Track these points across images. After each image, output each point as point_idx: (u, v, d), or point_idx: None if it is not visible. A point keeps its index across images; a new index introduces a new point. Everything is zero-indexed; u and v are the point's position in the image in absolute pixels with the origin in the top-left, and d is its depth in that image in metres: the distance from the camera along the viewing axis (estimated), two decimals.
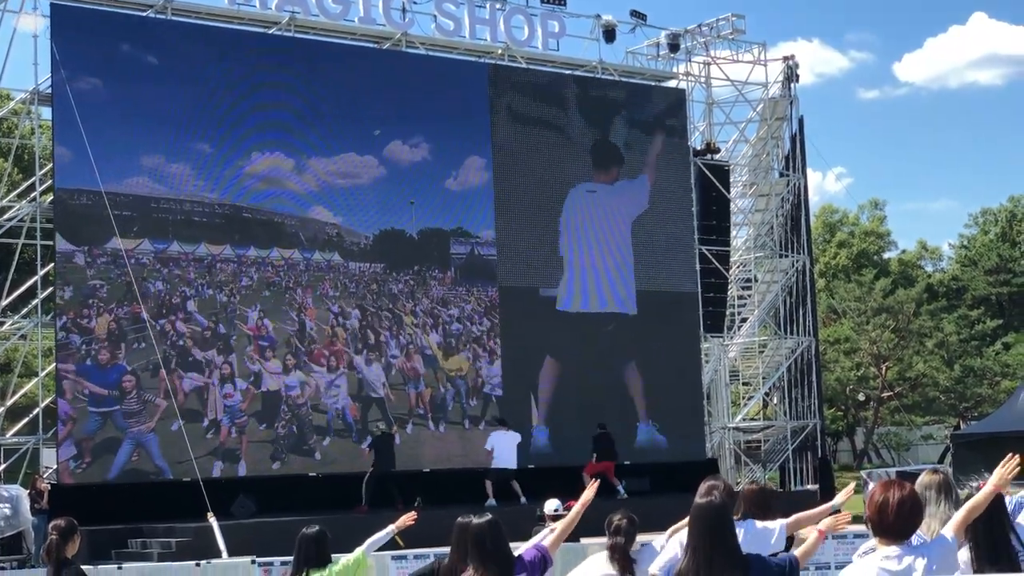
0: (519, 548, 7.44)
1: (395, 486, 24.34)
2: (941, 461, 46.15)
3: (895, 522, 5.68)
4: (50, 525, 10.18)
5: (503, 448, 25.45)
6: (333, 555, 9.25)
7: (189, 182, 26.38)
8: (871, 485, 32.73)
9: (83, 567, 10.24)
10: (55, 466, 24.89)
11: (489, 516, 6.85)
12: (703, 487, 6.64)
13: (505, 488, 25.19)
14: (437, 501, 24.18)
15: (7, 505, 24.82)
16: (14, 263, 27.33)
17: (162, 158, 26.04)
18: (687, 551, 6.16)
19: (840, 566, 16.04)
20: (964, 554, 6.41)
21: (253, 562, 14.48)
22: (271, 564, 14.61)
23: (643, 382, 31.14)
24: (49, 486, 23.93)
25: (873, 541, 6.03)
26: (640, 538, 9.12)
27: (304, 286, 27.40)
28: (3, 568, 22.76)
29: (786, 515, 8.62)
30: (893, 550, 5.65)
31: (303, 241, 27.60)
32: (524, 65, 31.37)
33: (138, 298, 24.56)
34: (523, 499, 24.78)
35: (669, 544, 8.47)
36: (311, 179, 27.78)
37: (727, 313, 35.26)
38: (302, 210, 27.74)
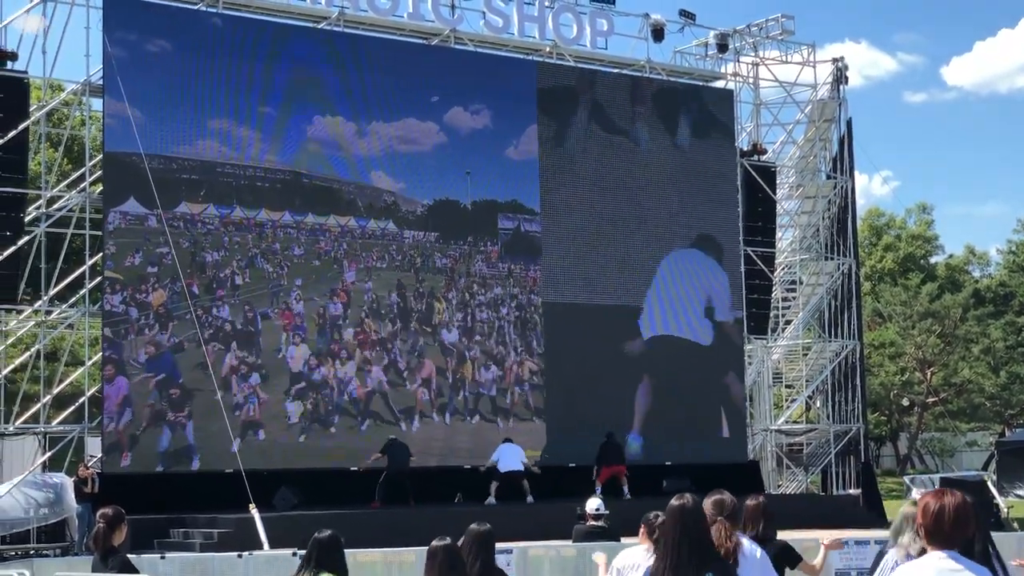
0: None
1: (409, 485, 24.71)
2: (985, 468, 45.79)
3: (951, 530, 5.67)
4: (98, 513, 10.29)
5: (507, 456, 25.80)
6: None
7: (254, 146, 26.85)
8: (913, 492, 32.58)
9: (128, 556, 10.34)
10: (100, 454, 25.12)
11: (447, 541, 7.96)
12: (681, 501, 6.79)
13: (516, 488, 25.47)
14: (435, 498, 24.94)
15: (51, 492, 25.08)
16: (63, 253, 27.58)
17: (230, 121, 26.54)
18: (661, 549, 6.44)
19: (841, 572, 16.16)
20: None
21: (294, 554, 14.53)
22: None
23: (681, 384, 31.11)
24: (96, 474, 24.15)
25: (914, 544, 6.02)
26: None
27: (352, 258, 27.65)
28: (47, 555, 23.01)
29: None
30: (951, 554, 5.64)
31: (360, 208, 27.92)
32: (572, 63, 31.35)
33: (193, 268, 25.41)
34: (530, 498, 25.29)
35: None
36: (373, 144, 28.06)
37: (771, 315, 35.12)
38: (361, 175, 28.04)
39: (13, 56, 25.62)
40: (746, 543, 7.47)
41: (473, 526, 8.33)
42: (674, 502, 6.64)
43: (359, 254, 27.85)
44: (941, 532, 5.65)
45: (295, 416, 26.33)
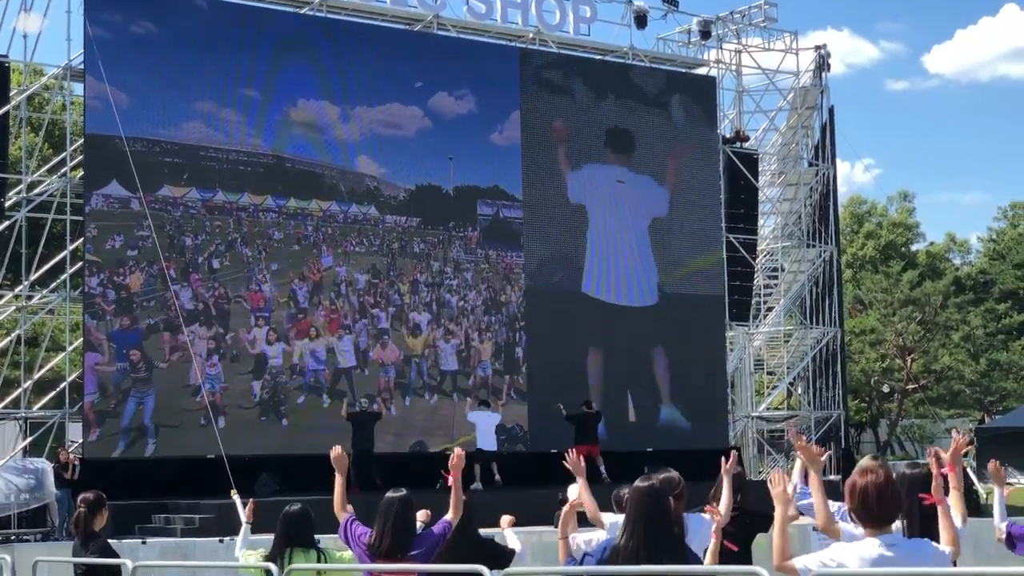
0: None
1: (375, 466, 24.07)
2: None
3: (878, 509, 5.62)
4: (79, 498, 10.29)
5: (483, 428, 25.63)
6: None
7: (239, 129, 26.79)
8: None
9: (108, 540, 10.34)
10: (80, 440, 25.07)
11: (403, 492, 8.41)
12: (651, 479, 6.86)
13: (485, 470, 25.32)
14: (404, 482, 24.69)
15: (32, 478, 25.01)
16: (43, 238, 27.50)
17: (214, 104, 26.47)
18: (625, 530, 6.52)
19: None
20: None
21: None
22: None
23: (668, 366, 31.15)
24: (76, 459, 24.11)
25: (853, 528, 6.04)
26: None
27: (331, 243, 27.58)
28: (28, 540, 22.96)
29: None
30: (885, 540, 5.60)
31: (342, 192, 27.87)
32: (555, 49, 31.33)
33: (172, 251, 25.35)
34: (477, 485, 24.44)
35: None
36: (356, 128, 27.99)
37: (753, 302, 35.20)
38: (345, 159, 27.98)
39: None
40: (691, 518, 7.66)
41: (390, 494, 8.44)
42: (640, 483, 6.71)
43: (338, 239, 27.80)
44: (869, 512, 5.62)
45: (257, 395, 26.16)
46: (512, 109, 29.83)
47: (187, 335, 24.83)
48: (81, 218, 25.61)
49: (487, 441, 25.67)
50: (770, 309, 37.10)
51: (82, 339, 25.46)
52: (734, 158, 33.89)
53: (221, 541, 15.81)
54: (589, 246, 30.52)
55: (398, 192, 28.54)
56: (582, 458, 8.52)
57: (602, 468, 26.04)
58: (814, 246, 36.07)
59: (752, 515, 9.23)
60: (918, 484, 7.32)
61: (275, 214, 27.16)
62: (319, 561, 8.95)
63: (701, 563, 6.86)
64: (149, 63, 25.75)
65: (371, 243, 28.23)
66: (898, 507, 5.72)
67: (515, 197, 29.78)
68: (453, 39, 30.11)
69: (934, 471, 6.85)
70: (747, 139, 35.42)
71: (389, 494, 8.41)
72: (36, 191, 26.67)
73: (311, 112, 27.57)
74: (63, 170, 26.96)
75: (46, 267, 27.59)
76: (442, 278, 28.83)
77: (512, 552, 9.37)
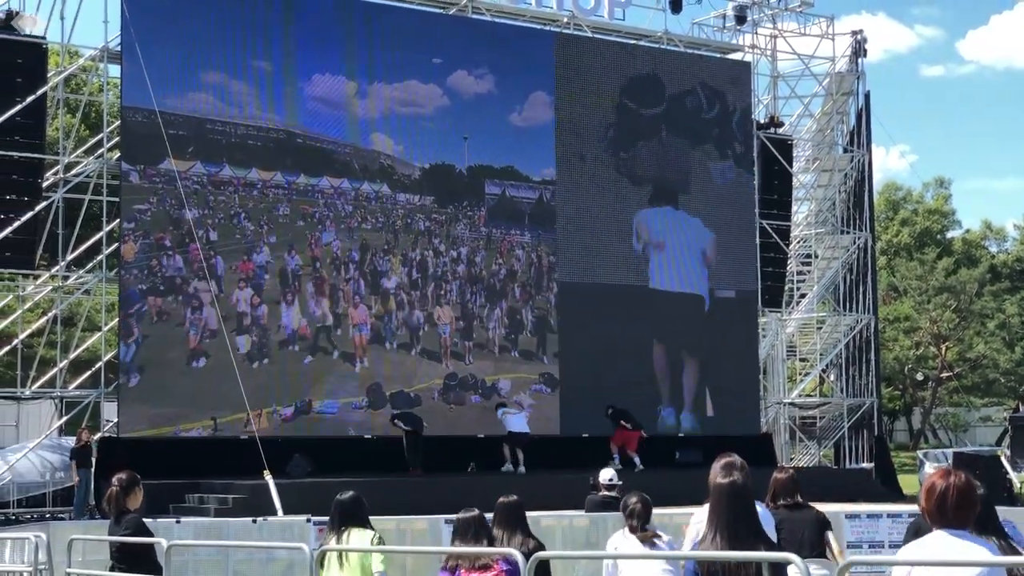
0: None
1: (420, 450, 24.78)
2: (999, 443, 45.83)
3: (955, 512, 5.63)
4: (114, 478, 10.38)
5: (515, 420, 25.82)
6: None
7: (250, 102, 26.58)
8: (927, 465, 32.61)
9: (143, 519, 10.43)
10: (115, 419, 25.26)
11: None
12: (721, 463, 6.49)
13: (520, 450, 25.45)
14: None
15: (67, 456, 25.26)
16: (80, 219, 27.70)
17: (223, 75, 26.24)
18: (710, 528, 6.17)
19: (895, 545, 16.04)
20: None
21: (308, 520, 14.62)
22: (326, 523, 14.80)
23: (701, 355, 31.13)
24: (94, 440, 24.33)
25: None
26: (691, 510, 9.28)
27: (336, 220, 27.30)
28: (63, 518, 23.18)
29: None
30: (955, 533, 5.61)
31: (355, 170, 27.64)
32: (589, 34, 31.26)
33: (170, 223, 25.24)
34: (522, 468, 24.96)
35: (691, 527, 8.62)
36: (372, 105, 27.83)
37: (786, 288, 35.10)
38: (359, 137, 27.78)
39: (32, 21, 25.63)
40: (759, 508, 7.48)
41: (502, 499, 8.57)
42: (721, 480, 6.24)
43: (344, 217, 27.52)
44: (945, 515, 5.64)
45: (244, 348, 25.85)
46: (533, 90, 29.63)
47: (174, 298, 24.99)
48: (117, 199, 25.76)
49: (519, 425, 25.74)
50: (803, 296, 36.98)
51: (116, 320, 25.64)
52: (768, 144, 33.76)
53: (254, 521, 15.91)
54: (629, 233, 30.54)
55: (412, 171, 28.33)
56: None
57: (637, 459, 26.21)
58: (848, 232, 35.91)
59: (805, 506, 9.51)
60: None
61: (283, 190, 26.90)
62: (375, 543, 8.85)
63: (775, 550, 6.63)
64: (169, 34, 25.58)
65: (376, 220, 27.93)
66: (974, 512, 5.72)
67: (529, 178, 29.58)
68: (477, 20, 30.06)
69: None
70: (782, 124, 35.25)
71: (462, 514, 8.71)
72: (73, 172, 26.85)
73: (327, 87, 27.31)
74: (99, 151, 27.12)
75: (82, 247, 27.79)
76: (436, 254, 28.44)
77: None
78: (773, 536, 7.01)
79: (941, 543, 5.57)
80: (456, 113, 28.78)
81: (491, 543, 8.47)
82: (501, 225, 29.36)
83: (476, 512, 8.58)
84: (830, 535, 9.76)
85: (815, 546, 9.70)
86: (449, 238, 28.72)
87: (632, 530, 8.89)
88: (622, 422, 26.63)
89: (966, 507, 5.63)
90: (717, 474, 6.25)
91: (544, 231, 29.73)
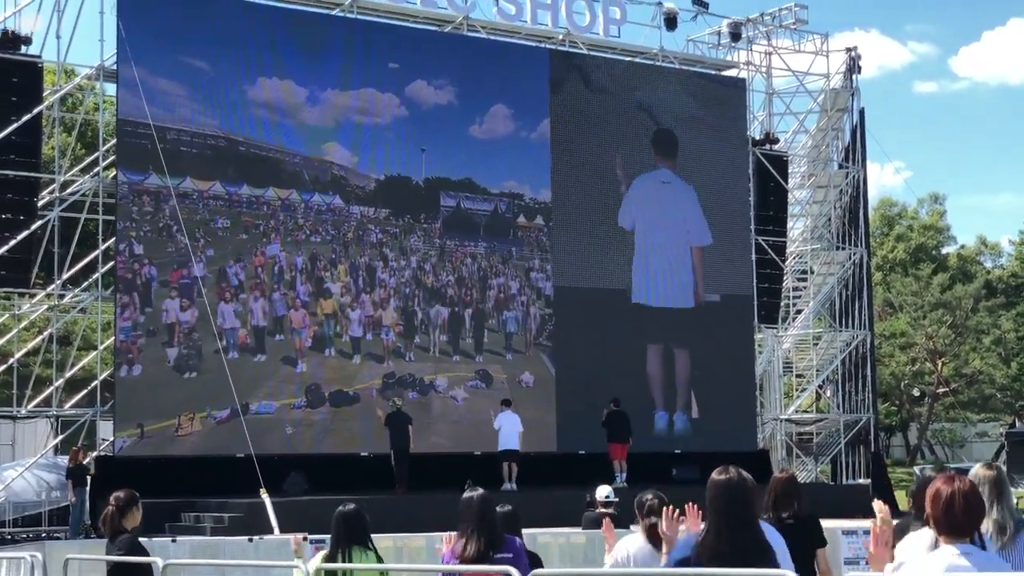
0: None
1: (405, 466, 24.45)
2: (996, 459, 45.77)
3: (964, 518, 5.54)
4: (111, 496, 10.34)
5: (506, 433, 25.43)
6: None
7: (186, 104, 25.61)
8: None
9: (139, 538, 10.38)
10: (111, 438, 25.20)
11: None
12: (718, 468, 6.67)
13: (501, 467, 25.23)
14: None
15: (63, 475, 25.19)
16: (75, 237, 27.68)
17: (144, 71, 24.92)
18: (707, 525, 6.36)
19: (849, 561, 16.10)
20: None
21: (305, 539, 14.56)
22: (323, 541, 14.74)
23: (693, 368, 31.12)
24: (91, 458, 24.29)
25: (928, 536, 5.95)
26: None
27: (282, 233, 26.39)
28: (58, 538, 23.11)
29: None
30: (961, 549, 5.53)
31: (305, 181, 26.76)
32: (585, 51, 31.33)
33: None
34: (513, 485, 24.73)
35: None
36: (326, 113, 27.01)
37: (782, 304, 35.12)
38: (311, 146, 26.82)
39: (27, 40, 25.68)
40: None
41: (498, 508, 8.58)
42: (717, 476, 6.52)
43: (291, 229, 26.60)
44: (952, 520, 5.54)
45: (172, 358, 25.19)
46: (493, 103, 29.21)
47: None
48: (113, 217, 25.73)
49: (508, 441, 25.53)
50: (799, 312, 37.01)
51: (112, 338, 25.60)
52: (764, 160, 33.82)
53: (250, 540, 15.87)
54: (623, 246, 30.56)
55: (366, 182, 27.57)
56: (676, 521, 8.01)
57: (622, 474, 26.02)
58: (844, 248, 35.96)
59: (807, 520, 9.35)
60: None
61: (222, 201, 25.85)
62: (378, 561, 8.89)
63: (776, 562, 6.63)
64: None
65: (326, 232, 27.05)
66: (981, 517, 5.67)
67: (487, 190, 29.09)
68: (483, 41, 30.13)
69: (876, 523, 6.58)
70: (777, 141, 35.33)
71: (467, 493, 8.38)
72: (69, 191, 26.85)
73: (273, 92, 26.35)
74: (95, 170, 27.13)
75: (78, 266, 27.77)
76: (384, 261, 27.75)
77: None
78: (787, 558, 6.87)
79: (951, 562, 5.48)
80: (415, 122, 28.08)
81: (493, 525, 8.31)
82: (455, 236, 28.75)
83: (481, 491, 8.39)
84: (820, 553, 9.58)
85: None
86: (401, 249, 28.05)
87: (652, 529, 8.38)
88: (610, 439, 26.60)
89: (974, 511, 5.56)
90: (714, 474, 6.54)
91: (501, 243, 29.22)
